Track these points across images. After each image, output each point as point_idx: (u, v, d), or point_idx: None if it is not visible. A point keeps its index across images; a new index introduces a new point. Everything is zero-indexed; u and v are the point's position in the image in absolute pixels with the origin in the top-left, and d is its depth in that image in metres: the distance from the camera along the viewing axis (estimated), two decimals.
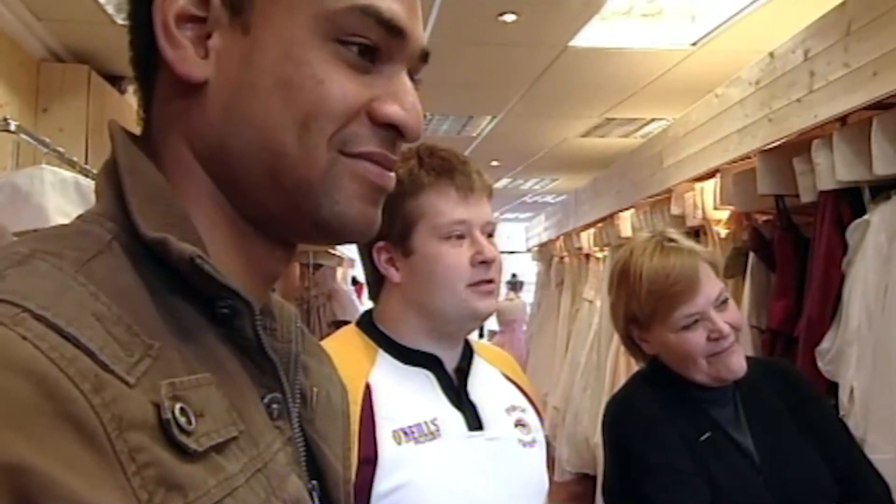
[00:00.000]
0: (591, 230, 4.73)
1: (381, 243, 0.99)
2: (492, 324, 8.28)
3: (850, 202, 1.89)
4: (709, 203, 2.86)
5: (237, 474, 0.37)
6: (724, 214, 2.83)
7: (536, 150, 5.42)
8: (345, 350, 0.99)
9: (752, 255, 2.42)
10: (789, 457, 1.08)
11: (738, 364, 1.09)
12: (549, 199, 7.56)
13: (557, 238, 5.71)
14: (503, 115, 4.44)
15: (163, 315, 0.38)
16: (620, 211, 4.06)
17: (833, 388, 1.80)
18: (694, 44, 3.17)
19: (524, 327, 7.36)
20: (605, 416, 1.18)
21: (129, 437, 0.32)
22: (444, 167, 0.98)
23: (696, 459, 1.05)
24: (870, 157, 1.76)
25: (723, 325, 1.08)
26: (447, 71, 3.50)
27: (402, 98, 0.44)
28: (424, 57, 0.47)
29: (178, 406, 0.35)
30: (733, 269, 2.58)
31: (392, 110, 0.44)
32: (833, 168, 1.89)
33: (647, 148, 3.70)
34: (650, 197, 3.57)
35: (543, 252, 6.35)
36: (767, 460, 1.07)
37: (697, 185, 2.96)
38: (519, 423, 1.02)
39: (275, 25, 0.42)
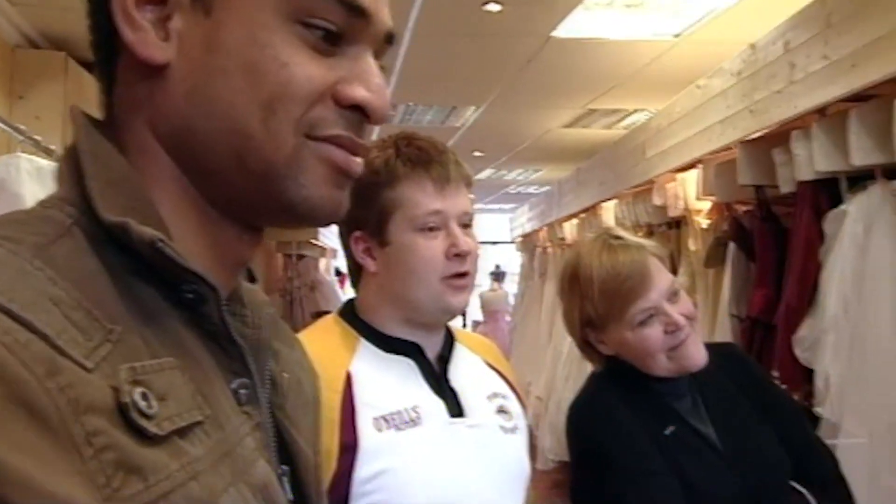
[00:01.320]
0: (575, 221, 4.75)
1: (358, 233, 0.99)
2: (476, 314, 8.31)
3: (827, 192, 1.92)
4: (691, 194, 2.88)
5: (202, 458, 0.37)
6: (706, 205, 2.86)
7: (520, 140, 5.43)
8: (325, 339, 0.99)
9: (732, 245, 2.45)
10: (750, 441, 1.09)
11: (698, 354, 1.09)
12: (532, 189, 7.58)
13: (541, 229, 5.74)
14: (487, 106, 4.44)
15: (125, 300, 0.38)
16: (603, 201, 4.08)
17: (810, 374, 1.83)
18: (677, 35, 3.18)
19: (507, 318, 7.39)
20: (568, 420, 1.16)
21: (85, 421, 0.31)
22: (421, 157, 0.97)
23: (665, 455, 1.05)
24: (847, 148, 1.79)
25: (678, 317, 1.08)
26: (431, 61, 3.49)
27: (367, 80, 0.44)
28: (389, 39, 0.47)
29: (138, 390, 0.34)
30: (714, 259, 2.61)
31: (357, 92, 0.43)
32: (812, 159, 1.92)
33: (631, 139, 3.73)
34: (633, 187, 3.59)
35: (527, 243, 6.37)
36: (730, 447, 1.08)
37: (679, 176, 2.98)
38: (500, 410, 1.02)
39: (237, 7, 0.41)
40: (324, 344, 0.98)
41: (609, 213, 3.97)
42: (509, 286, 7.96)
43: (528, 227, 6.36)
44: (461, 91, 4.19)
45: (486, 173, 7.00)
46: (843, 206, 1.81)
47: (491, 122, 4.85)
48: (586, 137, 5.07)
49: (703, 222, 2.87)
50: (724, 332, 2.37)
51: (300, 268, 4.97)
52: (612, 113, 4.52)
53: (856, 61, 1.78)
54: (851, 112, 1.79)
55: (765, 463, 1.08)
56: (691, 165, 2.88)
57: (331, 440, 0.87)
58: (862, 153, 1.74)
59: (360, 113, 0.44)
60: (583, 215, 4.53)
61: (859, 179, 1.81)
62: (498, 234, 9.42)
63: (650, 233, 3.23)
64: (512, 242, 7.45)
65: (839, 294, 1.74)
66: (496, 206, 9.62)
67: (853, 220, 1.75)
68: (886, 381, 1.59)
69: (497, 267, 8.30)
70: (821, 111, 1.99)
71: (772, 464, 1.08)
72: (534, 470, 1.08)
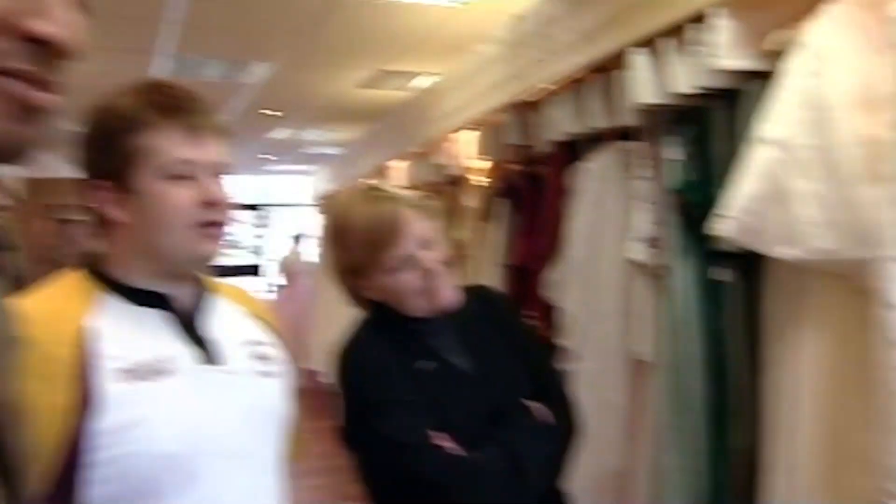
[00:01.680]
0: (369, 181, 4.84)
1: (100, 182, 0.95)
2: (280, 279, 8.13)
3: (573, 151, 2.17)
4: (468, 153, 3.08)
5: None
6: (484, 164, 3.07)
7: (315, 100, 5.36)
8: (58, 294, 0.95)
9: (503, 201, 2.67)
10: (498, 368, 1.24)
11: (450, 295, 1.21)
12: (331, 150, 7.53)
13: (339, 189, 5.75)
14: (279, 63, 4.31)
15: None
16: (393, 161, 4.20)
17: (555, 311, 2.09)
18: (465, 2, 3.33)
19: (305, 280, 7.33)
20: (334, 363, 1.23)
21: None
22: (171, 105, 0.95)
23: (420, 386, 1.16)
24: (588, 112, 2.03)
25: (430, 263, 1.18)
26: (217, 12, 3.30)
27: (51, 12, 0.43)
28: None
29: None
30: (488, 214, 2.83)
31: (39, 25, 0.42)
32: (561, 121, 2.15)
33: (417, 101, 3.86)
34: (419, 147, 3.74)
35: (327, 204, 6.35)
36: (480, 374, 1.22)
37: (455, 137, 3.16)
38: (257, 356, 1.05)
39: None
40: (56, 299, 0.94)
41: (398, 172, 4.09)
42: (311, 249, 7.88)
43: (326, 189, 6.33)
44: (251, 46, 4.02)
45: (284, 134, 6.82)
46: (583, 163, 2.06)
47: (285, 81, 4.72)
48: (379, 98, 5.14)
49: (483, 180, 3.09)
50: (497, 280, 2.60)
51: (70, 233, 4.50)
52: (402, 75, 4.62)
53: (596, 35, 2.02)
54: (589, 81, 2.04)
55: (508, 386, 1.23)
56: (469, 126, 3.07)
57: (63, 395, 0.84)
58: (597, 117, 1.99)
59: (46, 47, 0.43)
60: (376, 175, 4.62)
61: (597, 140, 2.07)
62: (300, 197, 9.25)
63: (436, 191, 3.40)
64: (313, 205, 7.37)
65: (579, 241, 1.99)
66: (298, 168, 9.41)
67: (591, 175, 2.00)
68: (612, 316, 1.87)
69: (297, 230, 8.17)
70: (571, 79, 2.23)
71: (514, 386, 1.24)
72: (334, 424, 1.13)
